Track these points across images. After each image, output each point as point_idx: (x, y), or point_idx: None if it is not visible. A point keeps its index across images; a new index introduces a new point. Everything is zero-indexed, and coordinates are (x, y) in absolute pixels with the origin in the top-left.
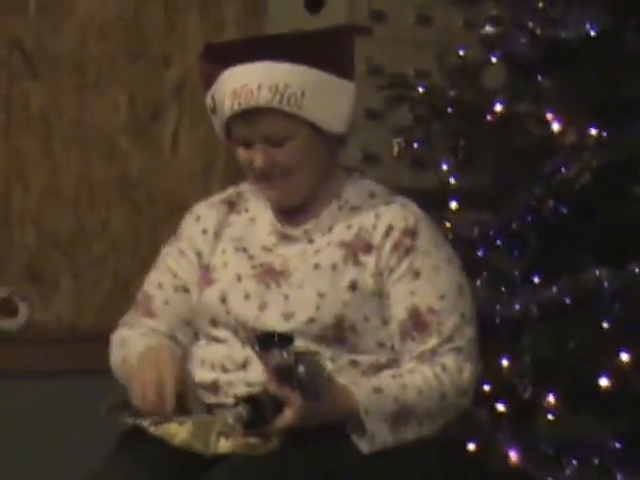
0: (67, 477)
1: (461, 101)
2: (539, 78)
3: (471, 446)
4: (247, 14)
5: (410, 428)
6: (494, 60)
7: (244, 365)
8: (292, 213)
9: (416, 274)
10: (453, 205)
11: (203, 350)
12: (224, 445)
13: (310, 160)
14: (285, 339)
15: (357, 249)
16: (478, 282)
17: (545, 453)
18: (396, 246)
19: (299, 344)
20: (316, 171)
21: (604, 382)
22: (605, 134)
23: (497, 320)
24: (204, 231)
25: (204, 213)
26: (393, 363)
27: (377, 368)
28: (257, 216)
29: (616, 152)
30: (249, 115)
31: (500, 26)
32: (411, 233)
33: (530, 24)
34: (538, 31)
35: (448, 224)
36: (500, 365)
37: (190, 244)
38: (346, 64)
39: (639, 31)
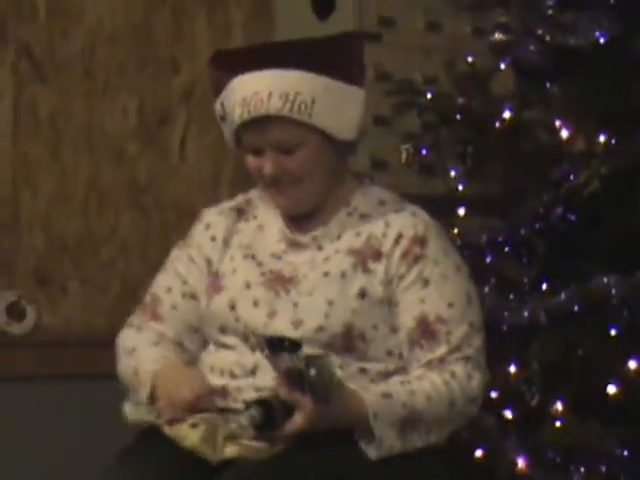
0: None
1: (470, 108)
2: (548, 85)
3: (479, 452)
4: (255, 19)
5: (418, 435)
6: (503, 67)
7: (253, 371)
8: (301, 220)
9: (425, 282)
10: (461, 212)
11: (212, 356)
12: (230, 450)
13: (320, 167)
14: (294, 344)
15: (366, 257)
16: (486, 289)
17: (553, 460)
18: (405, 254)
19: (307, 352)
20: (326, 178)
21: (612, 389)
22: (614, 141)
23: (505, 327)
24: (213, 238)
25: (213, 220)
26: (402, 371)
27: (386, 376)
28: (266, 223)
29: (624, 159)
30: (259, 123)
31: (509, 33)
32: (420, 241)
33: (539, 31)
34: (547, 38)
35: (456, 231)
36: (508, 372)
37: (199, 251)
38: (356, 71)
39: None
